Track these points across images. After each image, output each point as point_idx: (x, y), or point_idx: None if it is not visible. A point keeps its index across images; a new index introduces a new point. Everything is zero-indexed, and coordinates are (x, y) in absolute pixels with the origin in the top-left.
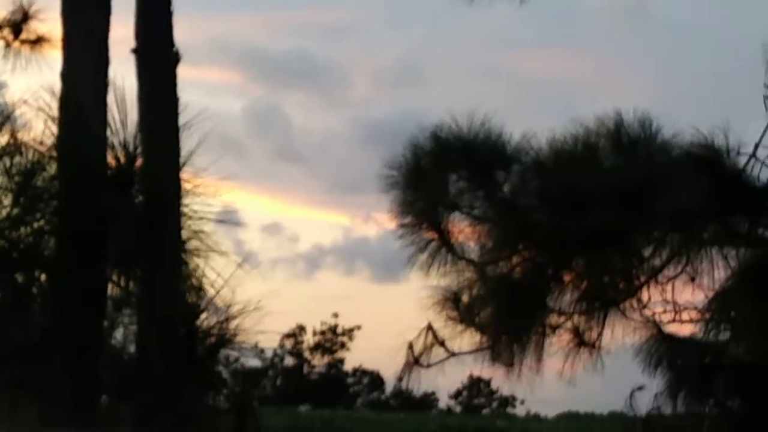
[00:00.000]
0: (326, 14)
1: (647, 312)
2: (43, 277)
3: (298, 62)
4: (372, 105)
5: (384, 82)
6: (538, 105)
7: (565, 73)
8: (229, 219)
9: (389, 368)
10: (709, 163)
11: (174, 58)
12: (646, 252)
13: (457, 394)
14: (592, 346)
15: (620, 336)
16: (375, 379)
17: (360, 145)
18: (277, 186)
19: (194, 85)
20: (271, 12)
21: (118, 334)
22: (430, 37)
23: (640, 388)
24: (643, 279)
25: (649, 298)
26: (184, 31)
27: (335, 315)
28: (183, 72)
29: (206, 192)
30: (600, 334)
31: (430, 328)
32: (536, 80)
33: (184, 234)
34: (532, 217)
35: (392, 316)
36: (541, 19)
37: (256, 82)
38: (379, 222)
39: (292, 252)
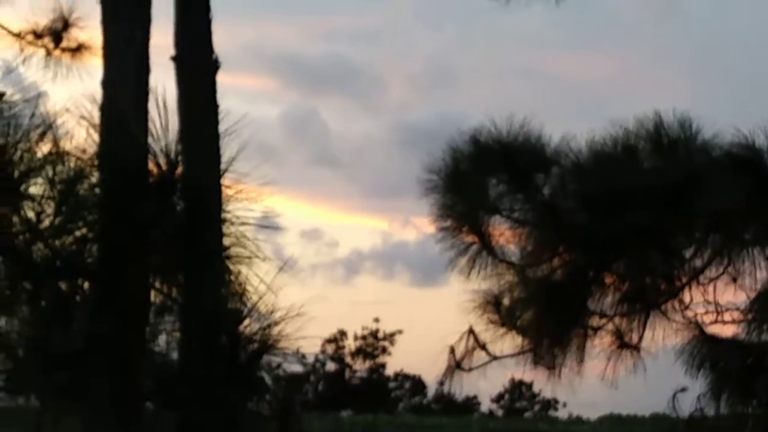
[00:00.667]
0: (359, 19)
1: (689, 313)
2: (86, 284)
3: (332, 67)
4: (408, 109)
5: (419, 86)
6: (575, 106)
7: (601, 73)
8: (269, 225)
9: (431, 372)
10: (749, 163)
11: (213, 65)
12: (687, 253)
13: (499, 398)
14: (634, 348)
15: (662, 338)
16: (416, 384)
17: (397, 149)
18: (315, 191)
19: (231, 91)
20: (304, 18)
21: (161, 340)
22: (464, 40)
23: (683, 389)
24: (684, 280)
25: (691, 299)
26: (219, 38)
27: (376, 320)
28: (220, 79)
29: (247, 198)
30: (641, 336)
31: (471, 331)
32: (572, 81)
33: (226, 240)
34: (572, 220)
35: (433, 320)
36: (575, 20)
37: (291, 88)
38: (417, 226)
39: (332, 257)
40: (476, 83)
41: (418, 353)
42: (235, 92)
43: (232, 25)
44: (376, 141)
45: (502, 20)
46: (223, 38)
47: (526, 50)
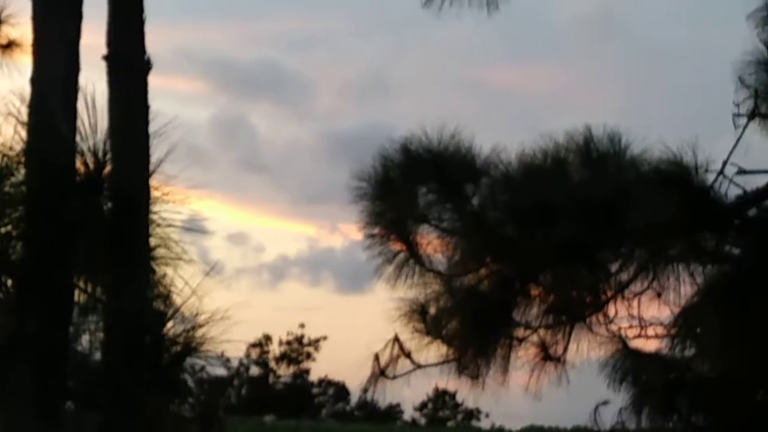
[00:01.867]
0: (292, 24)
1: (613, 327)
2: (9, 282)
3: (263, 72)
4: (337, 116)
5: (350, 94)
6: (506, 118)
7: (534, 86)
8: (196, 227)
9: (355, 379)
10: (677, 180)
11: (145, 66)
12: (614, 267)
13: (422, 406)
14: (558, 360)
15: (586, 350)
16: (340, 390)
17: (325, 156)
18: (243, 196)
19: (162, 93)
20: (237, 22)
21: (84, 340)
22: (397, 49)
23: (605, 402)
24: (609, 294)
25: (616, 313)
26: (151, 39)
27: (302, 325)
28: (152, 80)
29: (175, 200)
30: (566, 348)
31: (396, 339)
32: (504, 93)
33: (152, 241)
34: (500, 231)
35: (358, 327)
36: (509, 32)
37: (223, 91)
38: (344, 233)
39: (258, 262)
40: (408, 93)
41: (343, 360)
42: (166, 94)
43: (164, 27)
44: (304, 147)
45: (435, 31)
46: (155, 40)
47: (459, 61)
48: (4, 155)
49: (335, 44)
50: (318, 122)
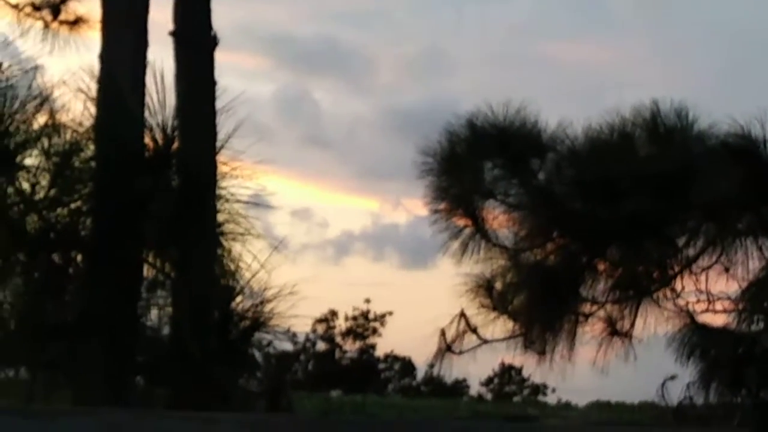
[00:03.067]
0: (352, 1)
1: (681, 302)
2: (79, 257)
3: (325, 48)
4: (399, 92)
5: (411, 69)
6: (571, 93)
7: (598, 61)
8: (262, 202)
9: (421, 354)
10: (744, 154)
11: (212, 42)
12: (681, 242)
13: (488, 382)
14: (625, 335)
15: (653, 325)
16: (406, 365)
17: (388, 131)
18: (306, 171)
19: (226, 69)
20: None
21: (153, 315)
22: (458, 25)
23: (673, 377)
24: (677, 269)
25: (683, 288)
26: (215, 17)
27: (367, 300)
28: (217, 56)
29: (242, 175)
30: (633, 324)
31: (462, 315)
32: (568, 68)
33: (220, 217)
34: (566, 206)
35: (423, 303)
36: (569, 7)
37: (285, 67)
38: (408, 208)
39: (322, 237)
40: (468, 69)
41: (409, 335)
42: (231, 70)
43: (226, 4)
44: (367, 123)
45: (495, 7)
46: (218, 16)
47: (520, 37)
48: (73, 131)
49: (395, 20)
50: (380, 98)
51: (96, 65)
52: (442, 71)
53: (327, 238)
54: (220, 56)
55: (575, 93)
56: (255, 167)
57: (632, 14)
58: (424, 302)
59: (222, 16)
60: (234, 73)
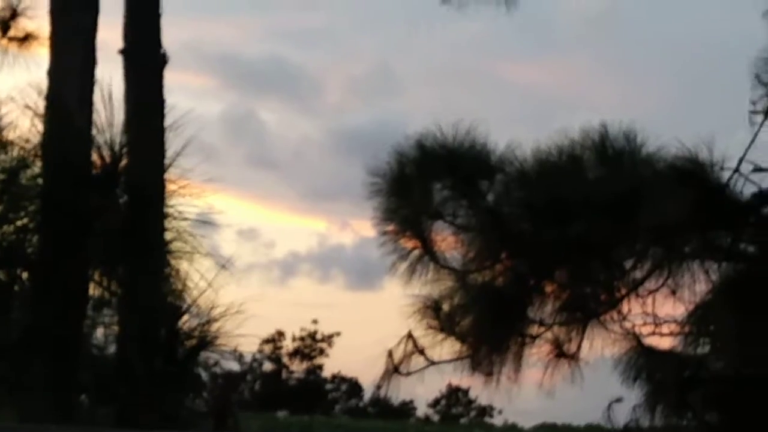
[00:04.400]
0: (299, 20)
1: (627, 324)
2: (25, 275)
3: (272, 68)
4: (347, 112)
5: (359, 89)
6: (519, 114)
7: (547, 82)
8: (209, 221)
9: (368, 375)
10: (692, 177)
11: (161, 60)
12: (628, 264)
13: (435, 403)
14: (572, 358)
15: (600, 348)
16: (353, 386)
17: (335, 152)
18: (253, 191)
19: (173, 88)
20: (244, 17)
21: (99, 334)
22: (405, 45)
23: (618, 400)
24: (624, 291)
25: (630, 311)
26: (163, 35)
27: (315, 321)
28: (165, 75)
29: (189, 194)
30: (580, 346)
31: (410, 336)
32: (517, 88)
33: (168, 235)
34: (515, 227)
35: (370, 324)
36: (518, 28)
37: (232, 87)
38: (355, 229)
39: (268, 258)
40: (417, 89)
41: (356, 356)
42: (178, 89)
43: (173, 23)
44: (314, 143)
45: (443, 27)
46: (166, 34)
47: (468, 57)
48: (20, 148)
49: (343, 39)
50: (327, 118)
51: (44, 82)
52: (390, 91)
53: (273, 259)
54: (169, 75)
55: (524, 114)
56: (202, 186)
57: (582, 35)
58: (371, 323)
59: (170, 35)
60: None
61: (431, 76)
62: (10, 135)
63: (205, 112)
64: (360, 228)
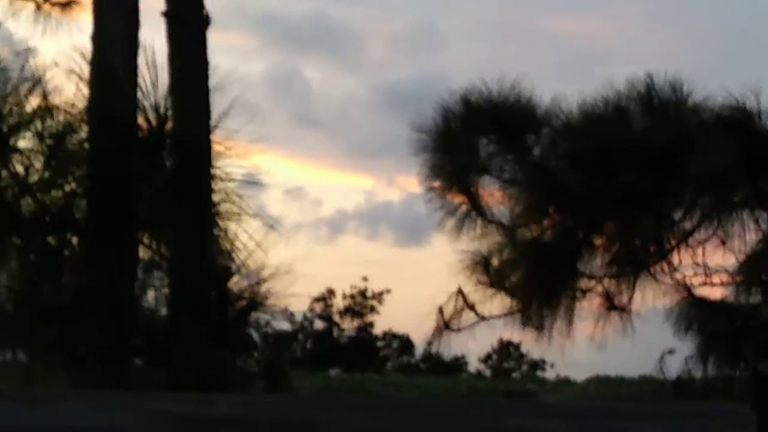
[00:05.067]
0: None
1: (678, 275)
2: (74, 239)
3: (314, 26)
4: (389, 68)
5: (401, 45)
6: (564, 66)
7: (591, 33)
8: (256, 182)
9: (419, 332)
10: (740, 126)
11: (204, 21)
12: (677, 215)
13: (486, 358)
14: (623, 310)
15: (651, 300)
16: (405, 343)
17: (379, 108)
18: (298, 150)
19: (216, 49)
20: None
21: (150, 296)
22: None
23: (671, 351)
24: (673, 242)
25: (680, 262)
26: None
27: (364, 278)
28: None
29: (236, 155)
30: (630, 298)
31: (460, 292)
32: (561, 41)
33: (215, 196)
34: (562, 180)
35: (419, 280)
36: None
37: (275, 46)
38: (401, 186)
39: (316, 216)
40: (460, 43)
41: (406, 313)
42: (221, 50)
43: None
44: (358, 100)
45: None
46: None
47: (512, 10)
48: (66, 113)
49: None
50: (370, 75)
51: (88, 47)
52: (433, 47)
53: (321, 217)
54: (211, 35)
55: (569, 66)
56: (248, 146)
57: None
58: (421, 279)
59: None
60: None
61: (473, 31)
62: (56, 100)
63: (248, 72)
64: (406, 184)
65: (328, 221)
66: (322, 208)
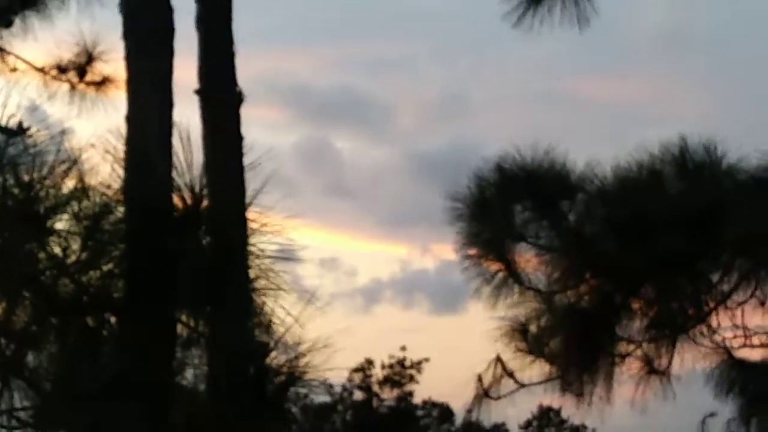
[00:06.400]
0: (367, 49)
1: (717, 337)
2: (113, 319)
3: (343, 97)
4: (419, 137)
5: (430, 114)
6: (595, 131)
7: (620, 98)
8: (291, 257)
9: (459, 400)
10: None
11: (238, 98)
12: (714, 277)
13: (527, 425)
14: (662, 374)
15: (690, 362)
16: (444, 411)
17: (410, 177)
18: (331, 220)
19: (248, 122)
20: (312, 48)
21: (189, 374)
22: (475, 68)
23: (712, 414)
24: (712, 304)
25: (719, 324)
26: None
27: (403, 348)
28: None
29: (271, 230)
30: (670, 361)
31: (498, 359)
32: (591, 106)
33: (251, 273)
34: (598, 246)
35: (457, 348)
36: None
37: (305, 118)
38: (435, 254)
39: (351, 286)
40: (489, 110)
41: (445, 381)
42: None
43: (244, 56)
44: (389, 170)
45: (512, 49)
46: (238, 69)
47: (539, 77)
48: (102, 194)
49: (412, 66)
50: (400, 145)
51: (123, 126)
52: (463, 114)
53: (356, 287)
54: (243, 109)
55: (600, 131)
56: (283, 221)
57: (652, 50)
58: (458, 347)
59: (242, 69)
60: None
61: (503, 98)
62: (92, 181)
63: (280, 144)
64: (441, 252)
65: (363, 291)
66: (357, 277)
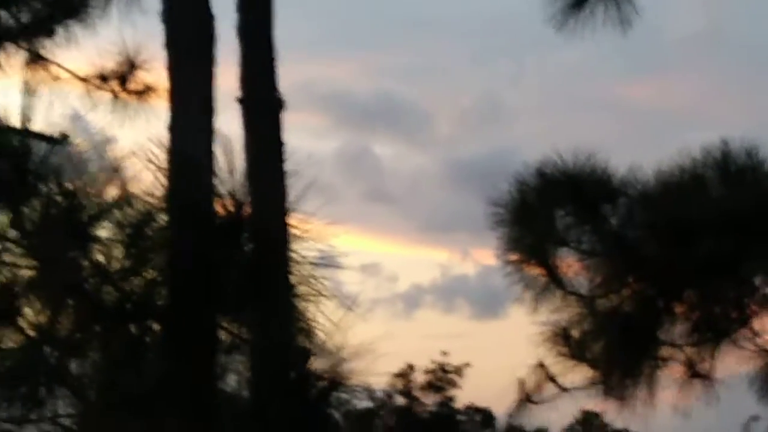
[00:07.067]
0: (406, 55)
1: (760, 341)
2: (156, 326)
3: (382, 104)
4: (458, 143)
5: (469, 120)
6: (634, 134)
7: (661, 102)
8: (332, 263)
9: (500, 405)
10: None
11: (279, 105)
12: (758, 280)
13: (569, 429)
14: (706, 377)
15: (734, 366)
16: (486, 416)
17: (449, 183)
18: (372, 226)
19: (289, 129)
20: (352, 55)
21: (231, 379)
22: (513, 74)
23: (756, 418)
24: (755, 308)
25: (762, 327)
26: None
27: (444, 353)
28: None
29: (312, 237)
30: (713, 365)
31: (541, 364)
32: (630, 110)
33: (293, 279)
34: (640, 250)
35: (498, 352)
36: (627, 48)
37: (344, 124)
38: (476, 258)
39: (392, 291)
40: (527, 116)
41: (486, 386)
42: (293, 129)
43: (285, 63)
44: (428, 175)
45: (552, 53)
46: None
47: (578, 82)
48: (145, 202)
49: (451, 72)
50: (439, 150)
51: (165, 134)
52: (501, 120)
53: (397, 292)
54: (284, 116)
55: (641, 135)
56: (324, 227)
57: (690, 52)
58: (499, 352)
59: (284, 75)
60: (297, 131)
61: (541, 103)
62: (135, 189)
63: (320, 150)
64: (481, 257)
65: (404, 296)
66: (397, 283)
